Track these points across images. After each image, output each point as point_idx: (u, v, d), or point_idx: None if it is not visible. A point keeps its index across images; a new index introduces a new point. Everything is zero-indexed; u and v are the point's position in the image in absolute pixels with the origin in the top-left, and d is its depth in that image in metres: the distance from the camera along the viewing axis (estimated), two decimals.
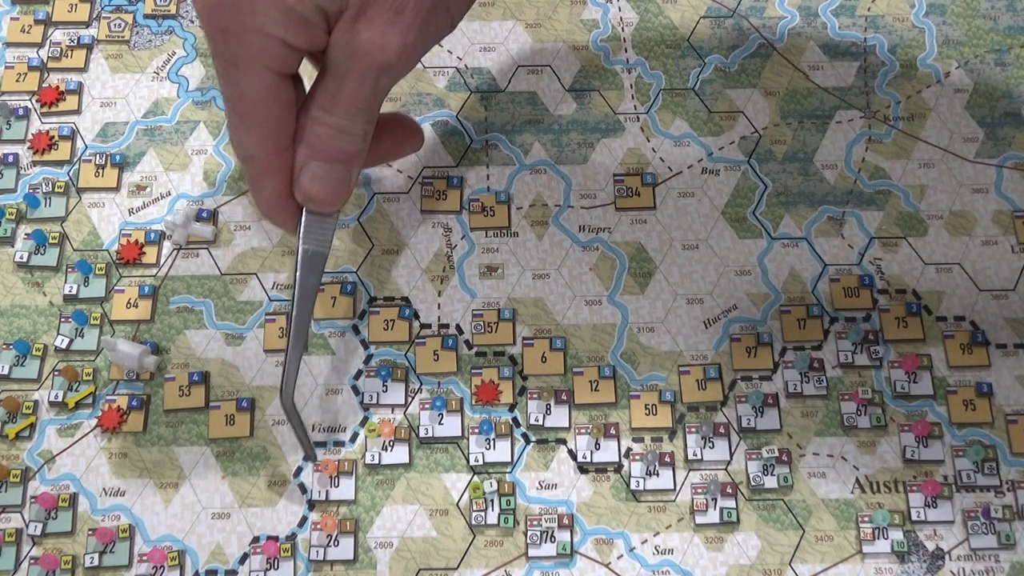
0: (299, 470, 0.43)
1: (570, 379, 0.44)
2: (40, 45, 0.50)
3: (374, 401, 0.44)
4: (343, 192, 0.39)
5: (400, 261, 0.46)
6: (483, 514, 0.42)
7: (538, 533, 0.42)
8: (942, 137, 0.48)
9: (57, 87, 0.49)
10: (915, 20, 0.50)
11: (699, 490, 0.43)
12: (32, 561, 0.42)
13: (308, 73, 0.37)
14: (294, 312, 0.40)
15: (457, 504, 0.43)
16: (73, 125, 0.49)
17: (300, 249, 0.39)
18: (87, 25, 0.50)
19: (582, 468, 0.43)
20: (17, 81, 0.49)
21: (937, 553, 0.42)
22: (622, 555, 0.42)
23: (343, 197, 0.39)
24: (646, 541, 0.42)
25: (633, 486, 0.43)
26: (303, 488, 0.43)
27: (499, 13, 0.51)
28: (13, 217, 0.47)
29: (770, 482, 0.43)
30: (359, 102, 0.36)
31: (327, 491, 0.43)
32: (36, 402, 0.44)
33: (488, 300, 0.46)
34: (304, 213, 0.39)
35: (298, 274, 0.40)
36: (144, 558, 0.42)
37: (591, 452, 0.43)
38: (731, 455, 0.43)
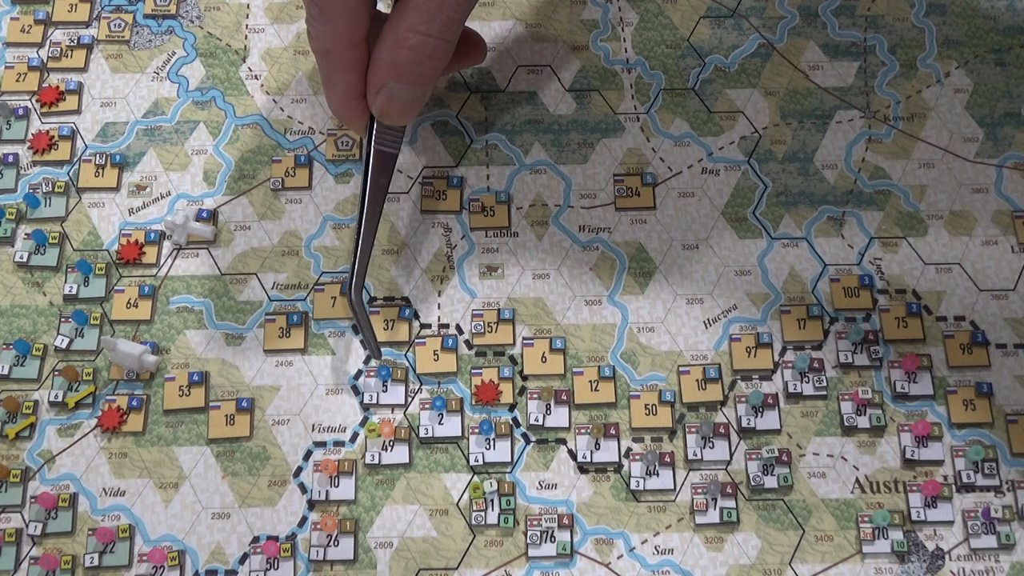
0: (299, 470, 0.43)
1: (570, 379, 0.44)
2: (40, 45, 0.50)
3: (374, 401, 0.44)
4: (416, 109, 0.41)
5: (400, 261, 0.46)
6: (483, 514, 0.42)
7: (538, 533, 0.42)
8: (942, 137, 0.48)
9: (57, 87, 0.49)
10: (915, 20, 0.50)
11: (699, 490, 0.43)
12: (32, 561, 0.42)
13: None
14: (365, 210, 0.42)
15: (457, 504, 0.43)
16: (73, 125, 0.49)
17: (373, 150, 0.42)
18: (87, 25, 0.50)
19: (582, 468, 0.43)
20: (17, 81, 0.49)
21: (937, 553, 0.42)
22: (622, 555, 0.42)
23: (415, 113, 0.41)
24: (646, 541, 0.42)
25: (633, 486, 0.43)
26: (303, 488, 0.43)
27: (499, 13, 0.51)
28: (13, 217, 0.47)
29: (770, 482, 0.43)
30: (455, 11, 0.38)
31: (327, 491, 0.43)
32: (36, 402, 0.44)
33: (488, 300, 0.46)
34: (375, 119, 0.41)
35: (370, 173, 0.42)
36: (144, 558, 0.42)
37: (591, 452, 0.43)
38: (731, 455, 0.43)
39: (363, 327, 0.42)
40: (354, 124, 0.42)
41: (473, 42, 0.45)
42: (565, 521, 0.42)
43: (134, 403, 0.44)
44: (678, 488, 0.43)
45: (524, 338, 0.45)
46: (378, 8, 0.40)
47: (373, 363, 0.44)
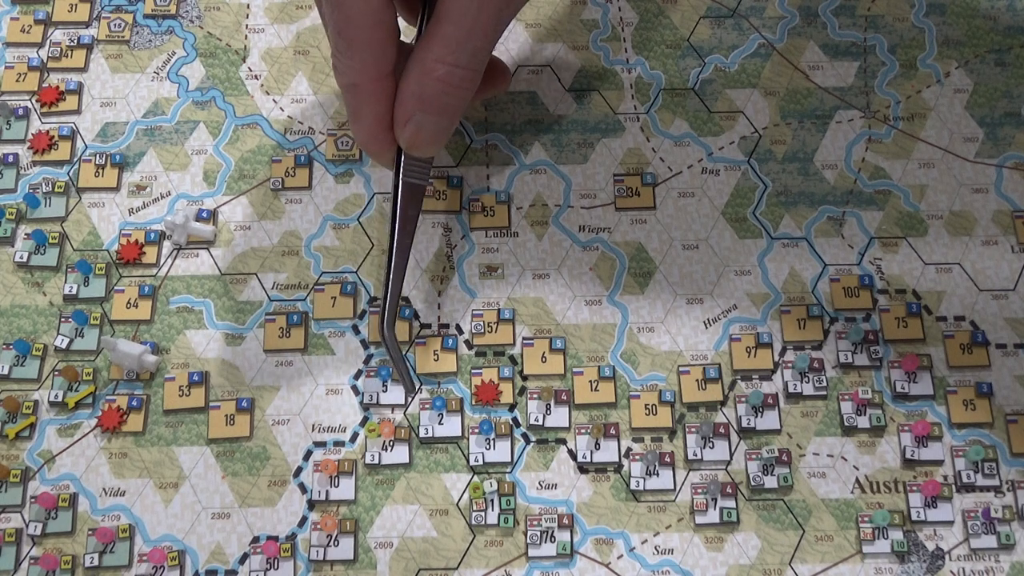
0: (299, 470, 0.43)
1: (570, 379, 0.44)
2: (40, 45, 0.50)
3: (374, 401, 0.44)
4: (444, 140, 0.41)
5: None
6: (483, 514, 0.42)
7: (538, 533, 0.42)
8: (942, 137, 0.48)
9: (57, 87, 0.49)
10: (915, 20, 0.50)
11: (699, 490, 0.43)
12: (32, 561, 0.42)
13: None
14: (395, 243, 0.41)
15: (457, 504, 0.43)
16: (73, 125, 0.49)
17: (401, 182, 0.41)
18: (87, 25, 0.50)
19: (582, 468, 0.43)
20: (17, 81, 0.49)
21: (937, 553, 0.42)
22: (622, 555, 0.42)
23: (443, 144, 0.41)
24: (646, 541, 0.42)
25: (633, 486, 0.43)
26: (303, 488, 0.43)
27: None
28: (13, 217, 0.47)
29: (770, 482, 0.43)
30: (483, 40, 0.38)
31: (327, 491, 0.43)
32: (36, 402, 0.44)
33: (488, 300, 0.46)
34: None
35: (399, 205, 0.41)
36: (144, 558, 0.42)
37: (591, 452, 0.43)
38: (731, 455, 0.43)
39: (396, 362, 0.42)
40: (381, 157, 0.42)
41: (498, 70, 0.45)
42: (565, 521, 0.42)
43: (134, 403, 0.44)
44: (678, 488, 0.43)
45: (524, 338, 0.45)
46: (402, 40, 0.40)
47: (374, 363, 0.44)
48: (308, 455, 0.43)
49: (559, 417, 0.44)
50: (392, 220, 0.42)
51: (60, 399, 0.44)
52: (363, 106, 0.39)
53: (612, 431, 0.43)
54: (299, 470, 0.43)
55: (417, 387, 0.44)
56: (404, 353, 0.44)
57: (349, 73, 0.38)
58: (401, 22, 0.40)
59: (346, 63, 0.38)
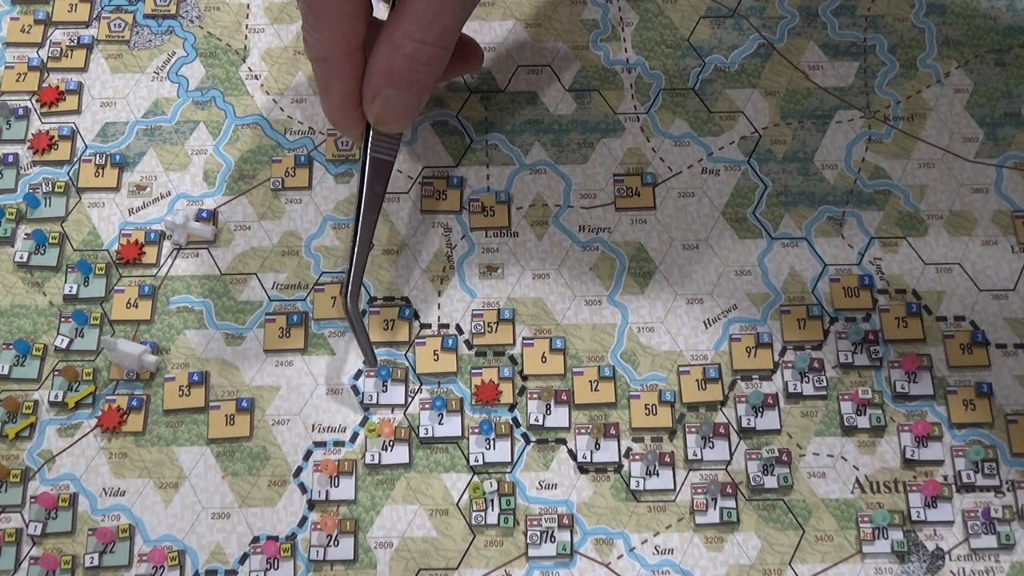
0: (299, 470, 0.43)
1: (570, 379, 0.44)
2: (40, 45, 0.50)
3: (374, 401, 0.44)
4: (412, 117, 0.41)
5: (400, 261, 0.46)
6: (483, 514, 0.42)
7: (538, 533, 0.42)
8: (942, 137, 0.48)
9: (57, 87, 0.49)
10: (915, 20, 0.50)
11: (699, 490, 0.43)
12: (32, 561, 0.42)
13: None
14: (360, 217, 0.42)
15: (457, 504, 0.43)
16: (73, 125, 0.49)
17: (368, 157, 0.42)
18: (87, 25, 0.50)
19: (582, 468, 0.43)
20: (17, 81, 0.49)
21: (937, 553, 0.42)
22: (622, 555, 0.42)
23: (412, 120, 0.41)
24: (646, 541, 0.42)
25: (633, 486, 0.43)
26: (303, 488, 0.43)
27: (499, 13, 0.51)
28: (13, 217, 0.47)
29: (770, 482, 0.43)
30: (452, 19, 0.38)
31: (327, 491, 0.43)
32: (36, 402, 0.44)
33: (488, 300, 0.46)
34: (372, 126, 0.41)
35: (366, 180, 0.42)
36: (144, 558, 0.42)
37: (591, 452, 0.43)
38: (731, 455, 0.43)
39: (358, 334, 0.42)
40: (350, 132, 0.42)
41: (470, 49, 0.45)
42: (565, 521, 0.42)
43: (134, 403, 0.44)
44: (678, 488, 0.43)
45: (524, 338, 0.45)
46: (374, 16, 0.40)
47: (366, 372, 0.44)
48: (308, 455, 0.43)
49: (559, 417, 0.44)
50: (359, 195, 0.42)
51: (60, 399, 0.44)
52: (332, 80, 0.40)
53: (612, 431, 0.43)
54: (299, 470, 0.43)
55: (376, 362, 0.43)
56: (367, 326, 0.44)
57: (319, 47, 0.39)
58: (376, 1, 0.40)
59: (316, 36, 0.38)
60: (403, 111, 0.40)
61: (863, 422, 0.44)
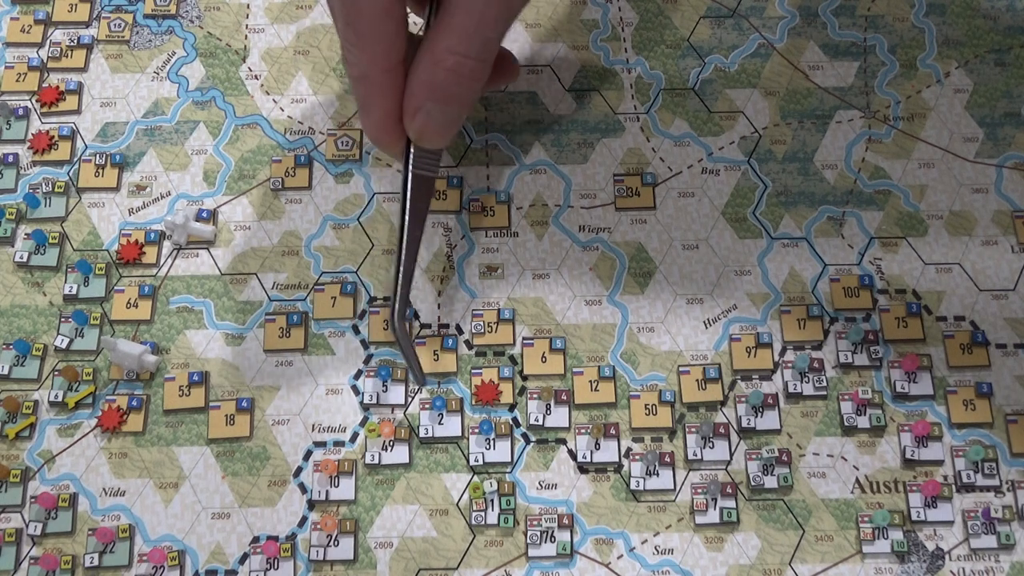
0: (299, 470, 0.43)
1: (570, 379, 0.44)
2: (40, 45, 0.50)
3: (374, 401, 0.44)
4: (454, 131, 0.40)
5: None
6: (483, 514, 0.42)
7: (538, 533, 0.42)
8: (942, 137, 0.48)
9: (57, 87, 0.49)
10: (915, 20, 0.50)
11: (699, 490, 0.43)
12: (32, 561, 0.42)
13: None
14: (405, 234, 0.41)
15: (457, 504, 0.43)
16: (73, 125, 0.49)
17: (411, 174, 0.41)
18: (87, 25, 0.50)
19: (582, 468, 0.43)
20: (17, 81, 0.49)
21: (937, 553, 0.42)
22: (622, 555, 0.42)
23: (453, 135, 0.41)
24: (646, 541, 0.42)
25: (633, 486, 0.43)
26: (303, 488, 0.43)
27: None
28: (13, 217, 0.47)
29: (770, 482, 0.43)
30: (493, 31, 0.38)
31: (327, 491, 0.43)
32: (36, 402, 0.44)
33: (488, 300, 0.46)
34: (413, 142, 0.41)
35: (409, 197, 0.41)
36: (144, 558, 0.42)
37: (591, 452, 0.43)
38: (731, 455, 0.43)
39: (407, 355, 0.42)
40: (391, 149, 0.41)
41: (507, 60, 0.45)
42: (565, 521, 0.42)
43: (134, 403, 0.44)
44: (678, 488, 0.43)
45: (524, 338, 0.45)
46: (410, 31, 0.40)
47: (374, 363, 0.44)
48: (308, 455, 0.43)
49: (559, 417, 0.44)
50: (402, 213, 0.41)
51: (60, 399, 0.44)
52: (373, 97, 0.39)
53: (612, 431, 0.43)
54: (299, 470, 0.43)
55: (426, 383, 0.44)
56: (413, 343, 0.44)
57: (359, 64, 0.38)
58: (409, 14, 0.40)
59: (356, 54, 0.38)
60: (445, 126, 0.40)
61: (863, 422, 0.44)
